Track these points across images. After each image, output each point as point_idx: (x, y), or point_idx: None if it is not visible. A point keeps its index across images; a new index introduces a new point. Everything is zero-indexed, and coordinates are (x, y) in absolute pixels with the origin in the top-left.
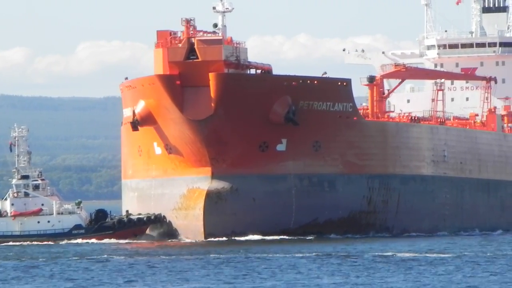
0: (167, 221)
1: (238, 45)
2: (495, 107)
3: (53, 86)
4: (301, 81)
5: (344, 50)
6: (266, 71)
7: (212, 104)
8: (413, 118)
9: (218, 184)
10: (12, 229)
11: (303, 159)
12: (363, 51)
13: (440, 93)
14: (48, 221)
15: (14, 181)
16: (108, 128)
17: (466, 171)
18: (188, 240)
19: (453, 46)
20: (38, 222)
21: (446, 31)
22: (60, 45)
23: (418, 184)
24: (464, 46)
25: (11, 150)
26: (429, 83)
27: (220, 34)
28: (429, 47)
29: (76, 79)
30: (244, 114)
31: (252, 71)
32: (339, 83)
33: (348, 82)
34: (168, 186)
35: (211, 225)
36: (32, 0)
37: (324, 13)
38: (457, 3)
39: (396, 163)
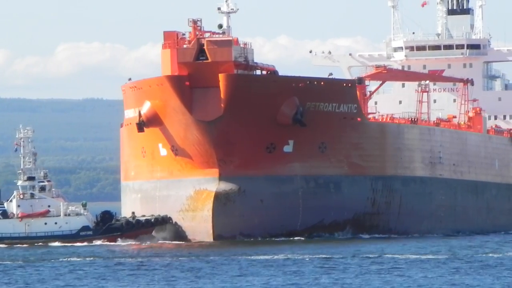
0: (173, 223)
1: (245, 46)
2: (480, 109)
3: (31, 87)
4: (308, 82)
5: (310, 52)
6: (272, 72)
7: (222, 105)
8: (412, 119)
9: (225, 186)
10: (19, 230)
11: (309, 160)
12: (329, 53)
13: (425, 94)
14: (55, 223)
15: (19, 183)
16: (87, 130)
17: (458, 173)
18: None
19: (420, 48)
20: (45, 223)
21: (413, 33)
22: (39, 47)
23: (418, 185)
24: (431, 48)
25: (16, 151)
26: (396, 85)
27: (229, 35)
28: (396, 49)
29: (55, 80)
30: (252, 115)
31: (258, 71)
32: (345, 84)
33: (353, 83)
34: (174, 187)
35: (219, 226)
36: (10, 1)
37: (305, 15)
38: (422, 5)
39: (398, 165)
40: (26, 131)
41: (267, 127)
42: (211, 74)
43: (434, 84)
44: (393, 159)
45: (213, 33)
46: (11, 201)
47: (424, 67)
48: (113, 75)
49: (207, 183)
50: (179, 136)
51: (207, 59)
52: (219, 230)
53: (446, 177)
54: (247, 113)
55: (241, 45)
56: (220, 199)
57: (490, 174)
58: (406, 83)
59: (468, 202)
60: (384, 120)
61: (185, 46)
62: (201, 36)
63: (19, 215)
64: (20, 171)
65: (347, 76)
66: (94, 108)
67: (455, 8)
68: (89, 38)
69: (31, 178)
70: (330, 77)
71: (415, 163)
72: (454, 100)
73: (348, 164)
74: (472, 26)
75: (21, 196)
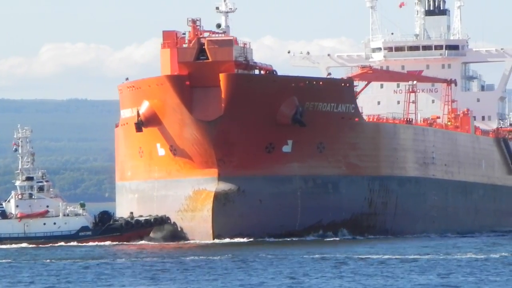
0: (172, 223)
1: (245, 45)
2: (468, 109)
3: (15, 88)
4: (307, 82)
5: (289, 52)
6: (270, 72)
7: (222, 105)
8: (408, 120)
9: (225, 186)
10: (18, 231)
11: (308, 160)
12: (308, 53)
13: (412, 95)
14: (54, 223)
15: (18, 183)
16: (71, 131)
17: (449, 173)
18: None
19: (399, 49)
20: (44, 224)
21: (392, 33)
22: (23, 47)
23: (413, 186)
24: (410, 48)
25: (15, 151)
26: (375, 86)
27: (228, 34)
28: (375, 50)
29: (39, 81)
30: (252, 115)
31: (257, 71)
32: (343, 84)
33: (351, 82)
34: (172, 187)
35: (219, 226)
36: None
37: (290, 16)
38: (400, 6)
39: (394, 165)
40: (24, 131)
41: (266, 127)
42: (212, 74)
43: None
44: (389, 159)
45: (213, 32)
46: (9, 201)
47: (403, 67)
48: (97, 76)
49: (206, 183)
50: (178, 136)
51: (207, 58)
52: (219, 230)
53: (439, 178)
54: (247, 113)
55: (241, 45)
56: (219, 199)
57: (477, 174)
58: (385, 84)
59: (458, 202)
60: (373, 120)
61: (185, 45)
62: (201, 36)
63: (18, 215)
64: (18, 171)
65: None
66: (78, 108)
67: (432, 9)
68: (74, 38)
69: (29, 178)
70: (329, 77)
71: (410, 163)
72: (433, 101)
73: (346, 164)
74: (449, 27)
75: (20, 196)
